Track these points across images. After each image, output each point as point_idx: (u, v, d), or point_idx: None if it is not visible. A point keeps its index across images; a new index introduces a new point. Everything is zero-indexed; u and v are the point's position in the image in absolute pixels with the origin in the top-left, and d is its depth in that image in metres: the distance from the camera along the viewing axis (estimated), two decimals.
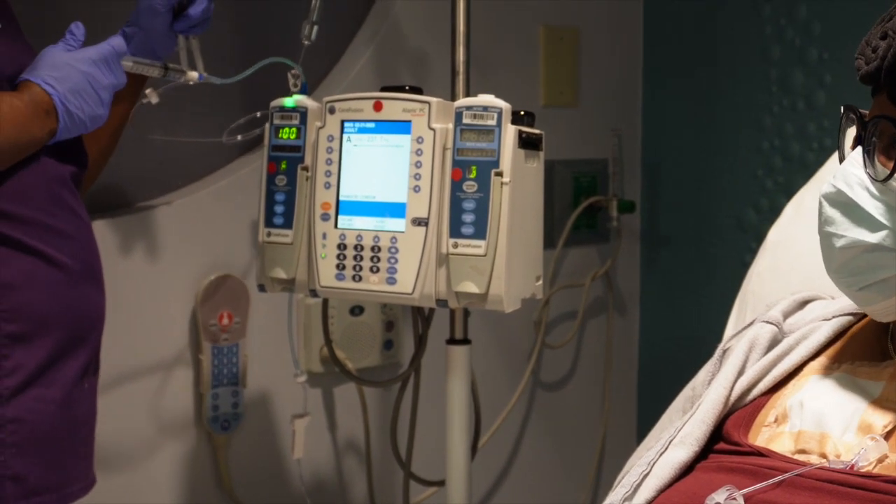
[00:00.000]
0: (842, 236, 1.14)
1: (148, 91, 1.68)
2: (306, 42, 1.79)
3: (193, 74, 1.68)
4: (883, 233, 1.11)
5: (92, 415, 1.54)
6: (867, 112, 1.17)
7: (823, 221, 1.17)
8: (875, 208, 1.12)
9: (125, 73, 1.54)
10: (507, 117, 1.58)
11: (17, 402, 1.39)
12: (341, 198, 1.65)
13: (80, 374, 1.48)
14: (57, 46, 1.48)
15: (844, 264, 1.16)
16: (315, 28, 1.79)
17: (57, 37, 1.49)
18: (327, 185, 1.66)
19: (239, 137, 1.85)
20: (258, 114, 1.81)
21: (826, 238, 1.17)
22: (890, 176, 1.11)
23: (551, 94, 2.51)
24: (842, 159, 1.19)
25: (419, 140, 1.60)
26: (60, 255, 1.44)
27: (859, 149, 1.15)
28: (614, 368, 2.67)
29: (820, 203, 1.17)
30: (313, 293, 1.68)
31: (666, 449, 1.19)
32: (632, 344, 2.75)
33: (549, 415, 2.60)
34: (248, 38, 2.10)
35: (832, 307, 1.33)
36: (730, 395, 1.23)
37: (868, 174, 1.13)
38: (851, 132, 1.19)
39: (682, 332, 2.62)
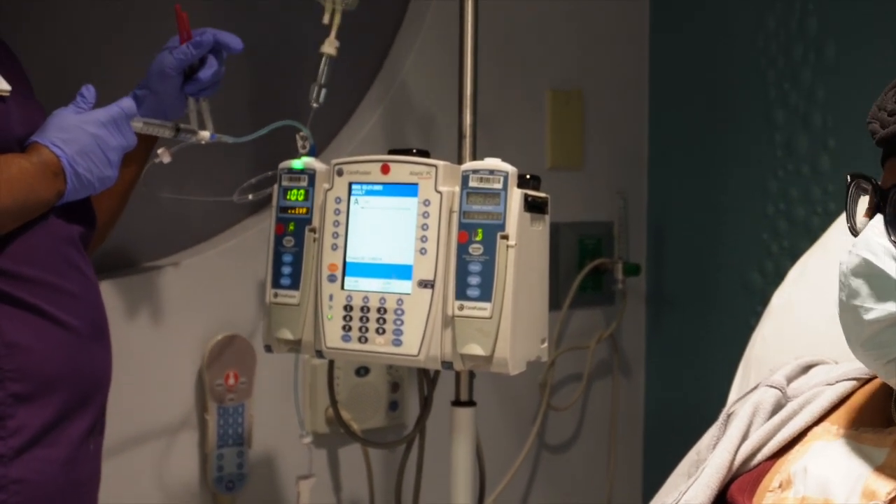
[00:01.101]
0: (871, 308, 1.10)
1: (160, 151, 1.70)
2: (315, 105, 1.81)
3: (205, 134, 1.69)
4: None
5: (96, 476, 1.54)
6: (877, 179, 1.15)
7: (848, 295, 1.12)
8: None
9: (135, 134, 1.55)
10: (512, 181, 1.59)
11: (20, 462, 1.39)
12: (348, 259, 1.66)
13: (86, 434, 1.48)
14: (67, 109, 1.50)
15: (872, 337, 1.12)
16: (324, 91, 1.81)
17: (70, 99, 1.51)
18: (334, 247, 1.67)
19: (250, 197, 1.86)
20: (270, 173, 1.83)
21: (852, 312, 1.12)
22: None
23: (557, 157, 2.53)
24: (853, 230, 1.16)
25: (426, 203, 1.61)
26: (67, 316, 1.44)
27: (880, 217, 1.11)
28: (619, 431, 2.66)
29: (842, 276, 1.13)
30: (319, 354, 1.68)
31: None
32: (637, 406, 2.74)
33: (554, 477, 2.59)
34: (257, 99, 2.12)
35: (835, 372, 1.32)
36: (734, 459, 1.23)
37: (893, 242, 1.09)
38: (862, 201, 1.16)
39: (688, 395, 2.61)
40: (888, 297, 1.09)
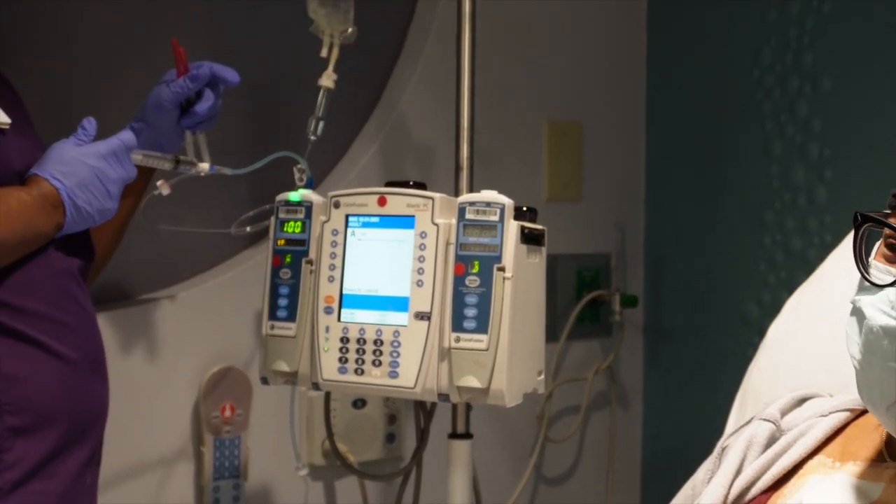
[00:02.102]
0: None
1: (159, 183, 1.70)
2: (312, 137, 1.81)
3: (205, 166, 1.69)
4: None
5: None
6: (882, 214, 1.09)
7: (883, 356, 1.05)
8: None
9: (135, 166, 1.55)
10: (509, 213, 1.59)
11: (17, 495, 1.38)
12: (345, 291, 1.66)
13: (83, 467, 1.47)
14: (67, 141, 1.50)
15: None
16: (321, 124, 1.81)
17: (69, 131, 1.51)
18: (331, 279, 1.67)
19: (248, 229, 1.87)
20: (267, 206, 1.83)
21: (885, 372, 1.05)
22: None
23: (555, 189, 2.53)
24: (865, 272, 1.09)
25: (422, 235, 1.61)
26: (65, 348, 1.44)
27: None
28: (617, 463, 2.66)
29: (871, 333, 1.05)
30: (315, 386, 1.68)
31: None
32: (635, 438, 2.74)
33: None
34: (255, 132, 2.13)
35: (829, 404, 1.32)
36: (728, 493, 1.22)
37: None
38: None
39: (686, 427, 2.61)
40: None
